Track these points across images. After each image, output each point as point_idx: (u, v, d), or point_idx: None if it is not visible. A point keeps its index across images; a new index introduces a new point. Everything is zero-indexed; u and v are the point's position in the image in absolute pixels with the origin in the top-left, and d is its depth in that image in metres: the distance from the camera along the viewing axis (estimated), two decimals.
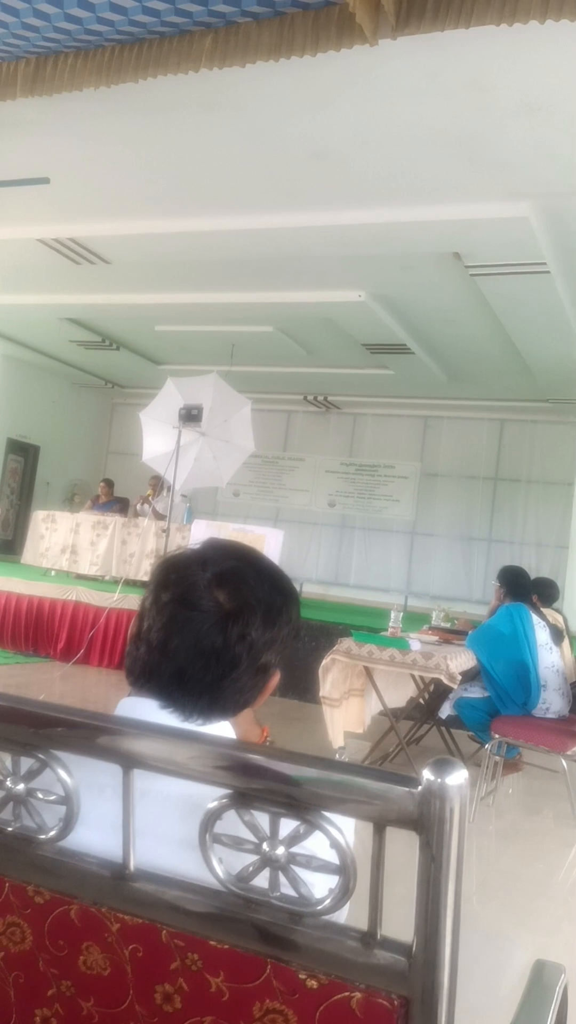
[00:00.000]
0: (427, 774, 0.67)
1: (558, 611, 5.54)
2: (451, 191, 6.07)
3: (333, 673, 4.76)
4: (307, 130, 5.44)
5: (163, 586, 1.01)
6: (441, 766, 0.67)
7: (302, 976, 0.74)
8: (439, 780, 0.67)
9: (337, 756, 4.70)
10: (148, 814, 0.84)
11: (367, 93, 4.95)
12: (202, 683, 0.97)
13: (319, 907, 0.73)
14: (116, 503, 11.00)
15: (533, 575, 5.65)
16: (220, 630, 0.97)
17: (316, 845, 0.73)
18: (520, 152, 5.42)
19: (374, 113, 5.16)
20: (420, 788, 0.67)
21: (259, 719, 1.13)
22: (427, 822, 0.67)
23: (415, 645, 4.81)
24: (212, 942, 0.77)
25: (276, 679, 1.05)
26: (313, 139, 5.55)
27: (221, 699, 0.98)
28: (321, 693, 4.76)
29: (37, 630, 7.91)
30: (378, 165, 5.80)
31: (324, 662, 4.77)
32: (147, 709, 0.98)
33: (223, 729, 1.00)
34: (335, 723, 4.79)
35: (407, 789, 0.68)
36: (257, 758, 0.74)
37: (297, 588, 1.10)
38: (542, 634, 4.88)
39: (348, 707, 4.88)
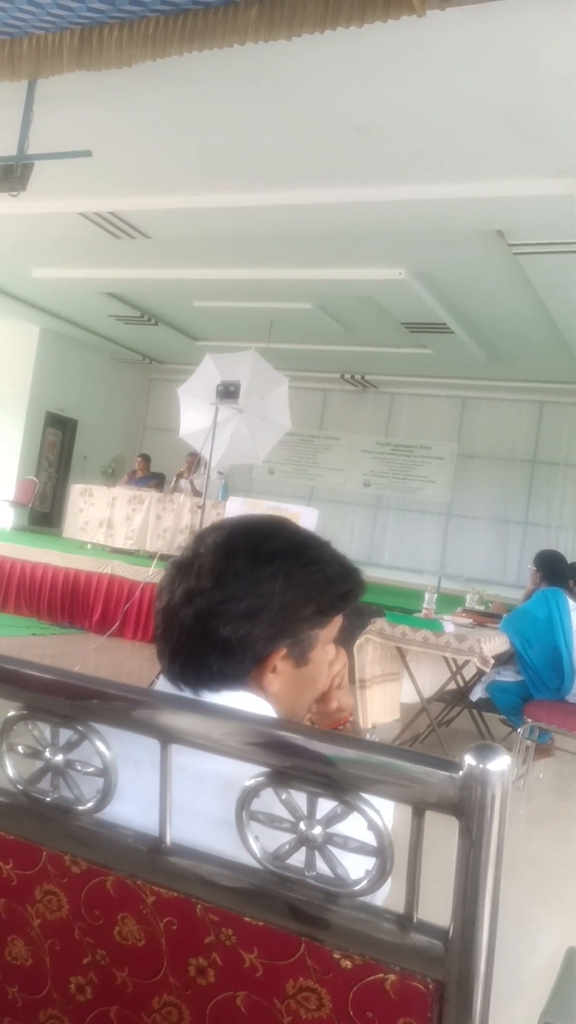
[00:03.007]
0: (469, 759, 0.66)
1: None
2: (496, 167, 5.97)
3: (371, 655, 4.75)
4: (351, 104, 5.37)
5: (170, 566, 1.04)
6: (483, 751, 0.66)
7: (336, 956, 0.74)
8: (481, 765, 0.66)
9: (367, 736, 4.70)
10: (185, 791, 0.85)
11: (412, 66, 4.87)
12: (175, 651, 0.97)
13: (355, 888, 0.73)
14: (152, 478, 11.06)
15: (570, 560, 5.58)
16: (177, 602, 0.97)
17: (353, 826, 0.72)
18: (568, 127, 5.30)
19: (419, 86, 5.07)
20: (462, 773, 0.66)
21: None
22: (468, 808, 0.66)
23: (449, 627, 4.79)
24: (247, 919, 0.78)
25: (276, 656, 0.98)
26: (356, 113, 5.48)
27: (198, 669, 0.96)
28: (357, 676, 4.73)
29: (73, 602, 8.00)
30: (422, 140, 5.71)
31: (359, 642, 4.76)
32: (167, 684, 1.00)
33: (240, 699, 0.97)
34: (366, 706, 4.76)
35: (448, 774, 0.67)
36: (296, 737, 0.74)
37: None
38: None
39: (384, 692, 4.85)
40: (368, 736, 4.70)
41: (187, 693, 0.97)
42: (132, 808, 0.86)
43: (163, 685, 0.99)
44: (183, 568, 0.99)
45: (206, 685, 0.96)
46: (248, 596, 0.95)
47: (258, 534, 1.01)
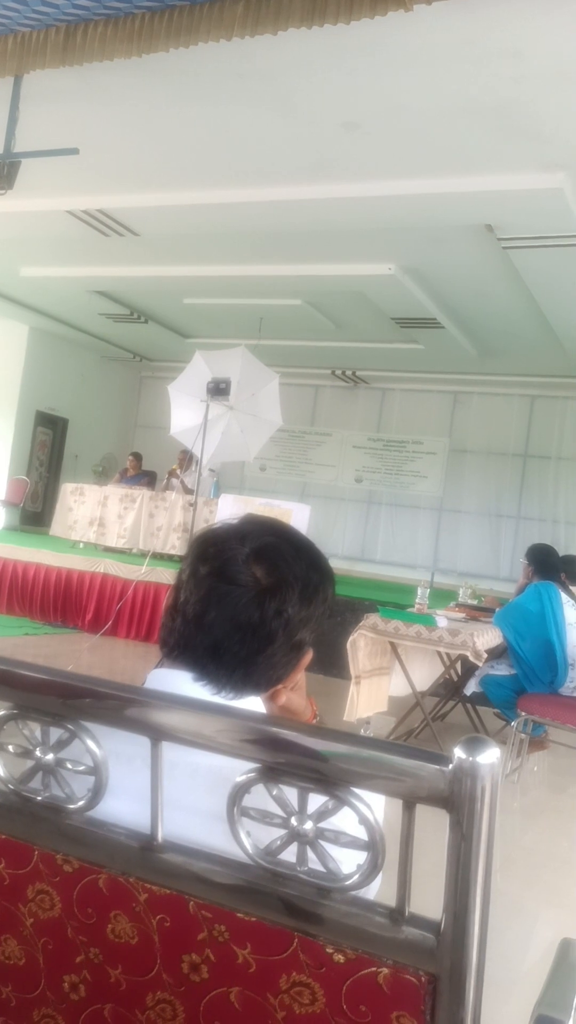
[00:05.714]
0: (459, 752, 0.66)
1: None
2: (484, 162, 5.96)
3: (363, 650, 4.75)
4: (338, 99, 5.36)
5: (201, 559, 1.01)
6: (473, 744, 0.67)
7: (329, 950, 0.74)
8: (471, 758, 0.66)
9: (362, 731, 4.71)
10: (177, 786, 0.85)
11: (400, 61, 4.86)
12: (237, 657, 0.97)
13: (347, 882, 0.73)
14: (144, 476, 11.04)
15: (562, 553, 5.60)
16: (257, 605, 0.97)
17: (345, 820, 0.72)
18: (556, 122, 5.30)
19: (406, 82, 5.06)
20: (451, 766, 0.66)
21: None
22: (458, 800, 0.66)
23: (442, 622, 4.80)
24: (239, 914, 0.78)
25: (308, 657, 1.06)
26: (344, 109, 5.47)
27: (255, 674, 0.99)
28: (354, 672, 4.73)
29: (66, 601, 7.99)
30: (410, 135, 5.71)
31: (352, 638, 4.76)
32: (179, 681, 0.98)
33: (253, 705, 1.00)
34: (357, 699, 4.76)
35: (438, 767, 0.67)
36: (286, 733, 0.73)
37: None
38: (570, 612, 4.84)
39: (373, 686, 4.86)
40: (363, 731, 4.71)
41: (221, 699, 0.98)
42: (126, 804, 0.86)
43: (159, 683, 0.99)
44: (226, 578, 0.98)
45: (261, 690, 1.01)
46: (319, 606, 1.03)
47: (310, 547, 1.07)
